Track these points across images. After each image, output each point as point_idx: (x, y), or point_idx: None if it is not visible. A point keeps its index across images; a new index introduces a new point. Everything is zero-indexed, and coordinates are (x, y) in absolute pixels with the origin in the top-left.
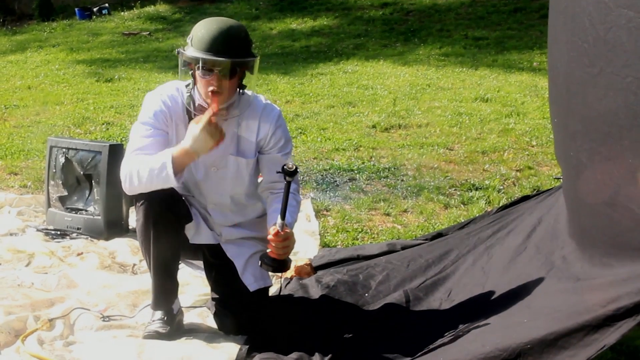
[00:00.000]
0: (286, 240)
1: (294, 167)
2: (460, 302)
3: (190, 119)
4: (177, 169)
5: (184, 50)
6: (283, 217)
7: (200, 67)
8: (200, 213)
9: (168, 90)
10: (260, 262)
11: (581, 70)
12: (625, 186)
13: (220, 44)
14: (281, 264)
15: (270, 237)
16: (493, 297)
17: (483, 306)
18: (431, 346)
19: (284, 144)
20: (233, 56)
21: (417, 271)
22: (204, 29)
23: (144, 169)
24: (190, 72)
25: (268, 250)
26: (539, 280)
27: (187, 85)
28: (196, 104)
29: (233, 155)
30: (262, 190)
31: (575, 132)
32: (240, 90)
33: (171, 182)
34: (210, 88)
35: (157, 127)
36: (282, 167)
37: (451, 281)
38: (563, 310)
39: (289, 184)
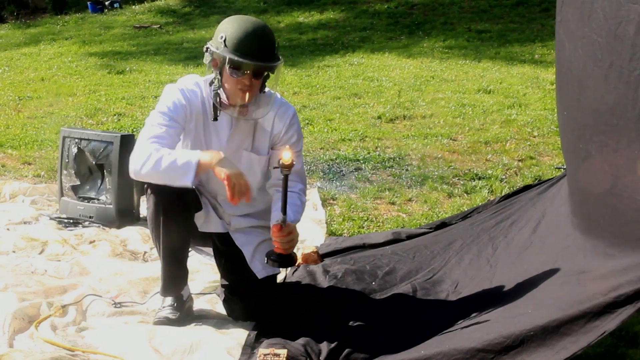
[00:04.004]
0: (289, 234)
1: (290, 161)
2: (468, 295)
3: (215, 115)
4: (199, 172)
5: (216, 49)
6: (284, 212)
7: (233, 68)
8: (210, 202)
9: (188, 85)
10: (266, 259)
11: (594, 64)
12: (631, 177)
13: (257, 49)
14: (287, 259)
15: (273, 233)
16: (500, 292)
17: (490, 299)
18: (437, 335)
19: (295, 142)
20: (271, 60)
21: (423, 262)
22: (240, 31)
23: (166, 159)
24: (214, 69)
25: (274, 247)
26: (545, 274)
27: (210, 83)
28: (221, 101)
29: (247, 151)
30: (269, 186)
31: (586, 124)
32: (264, 88)
33: (188, 180)
34: (240, 86)
35: (174, 119)
36: (278, 161)
37: (457, 273)
38: (565, 299)
39: (286, 177)
